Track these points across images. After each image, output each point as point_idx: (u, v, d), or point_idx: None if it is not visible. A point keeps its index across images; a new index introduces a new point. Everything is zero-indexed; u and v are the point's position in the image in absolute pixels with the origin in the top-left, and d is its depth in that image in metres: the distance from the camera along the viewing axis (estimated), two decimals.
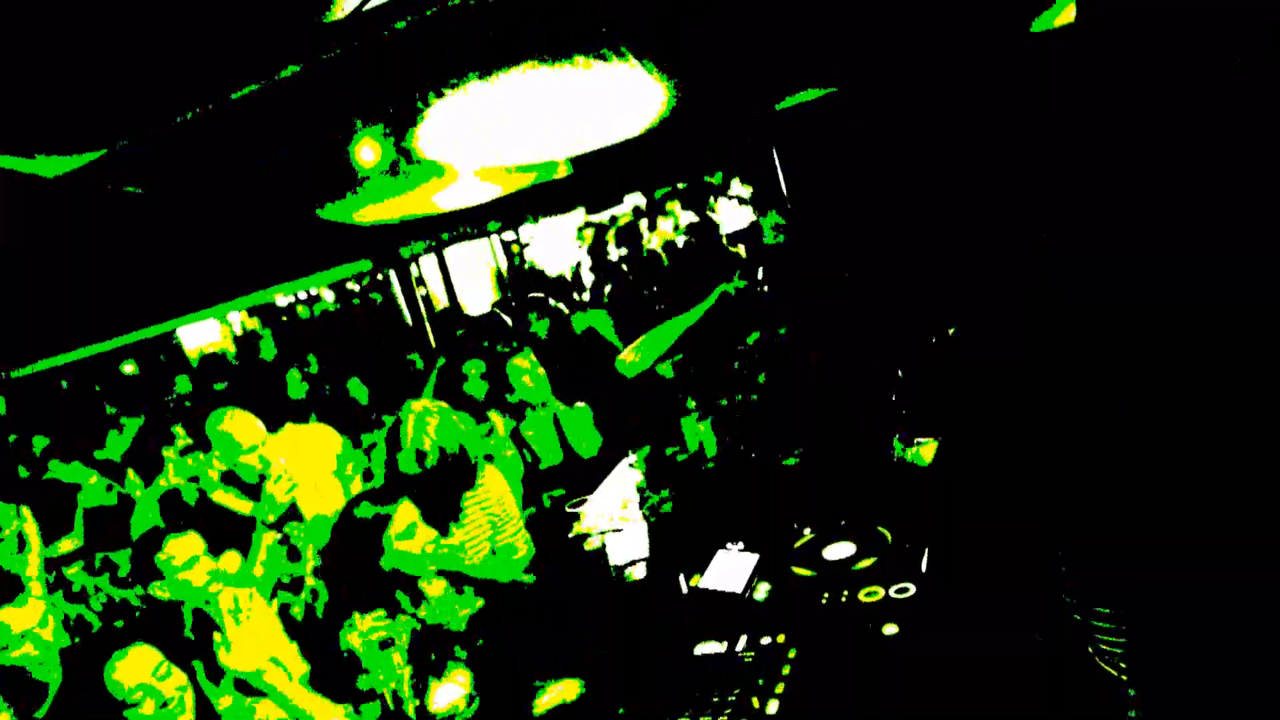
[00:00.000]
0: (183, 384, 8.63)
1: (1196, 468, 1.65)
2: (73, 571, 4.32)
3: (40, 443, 6.89)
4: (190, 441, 5.70)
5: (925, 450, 3.13)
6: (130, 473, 5.62)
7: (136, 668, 2.76)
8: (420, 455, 3.44)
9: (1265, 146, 1.55)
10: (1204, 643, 1.68)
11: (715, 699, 2.23)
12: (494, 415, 4.64)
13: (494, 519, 3.57)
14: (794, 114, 6.04)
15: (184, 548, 3.37)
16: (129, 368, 10.95)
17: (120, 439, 6.72)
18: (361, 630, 3.00)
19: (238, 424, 4.08)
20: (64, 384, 9.72)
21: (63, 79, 3.59)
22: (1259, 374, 1.57)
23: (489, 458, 4.00)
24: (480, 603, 3.42)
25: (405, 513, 3.36)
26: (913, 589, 2.48)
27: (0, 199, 4.26)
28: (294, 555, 3.79)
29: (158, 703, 2.75)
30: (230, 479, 4.08)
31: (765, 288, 4.49)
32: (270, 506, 3.89)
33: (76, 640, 3.74)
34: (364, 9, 3.70)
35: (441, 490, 3.48)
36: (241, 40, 3.71)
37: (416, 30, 3.92)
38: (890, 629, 2.33)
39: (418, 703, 2.82)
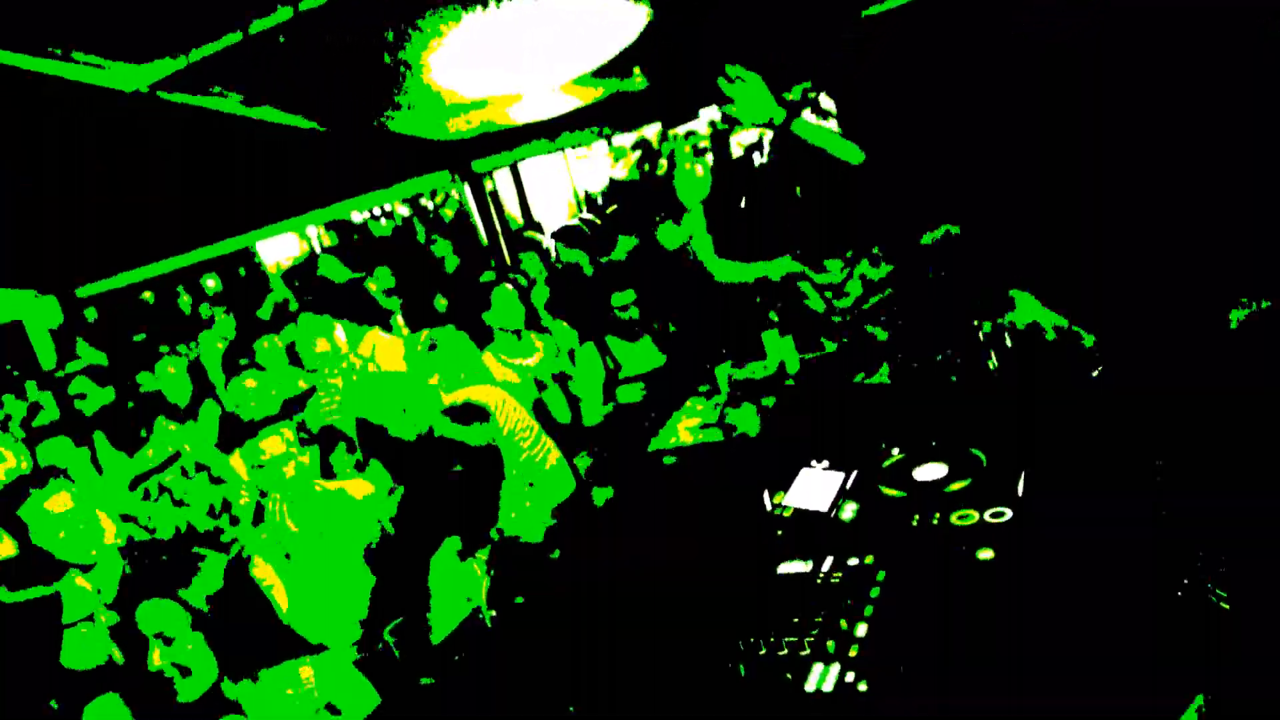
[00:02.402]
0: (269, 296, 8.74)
1: None
2: (169, 479, 4.41)
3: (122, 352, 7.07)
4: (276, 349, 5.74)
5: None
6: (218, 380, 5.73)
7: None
8: None
9: None
10: None
11: (800, 620, 2.17)
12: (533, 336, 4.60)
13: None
14: (880, 21, 5.72)
15: (274, 444, 3.43)
16: (211, 282, 11.17)
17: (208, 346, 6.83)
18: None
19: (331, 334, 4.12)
20: (149, 297, 9.96)
21: None
22: None
23: None
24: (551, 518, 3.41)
25: None
26: (1009, 514, 2.36)
27: (66, 114, 4.24)
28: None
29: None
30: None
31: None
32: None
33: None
34: None
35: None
36: None
37: None
38: (985, 554, 2.22)
39: (493, 613, 2.82)
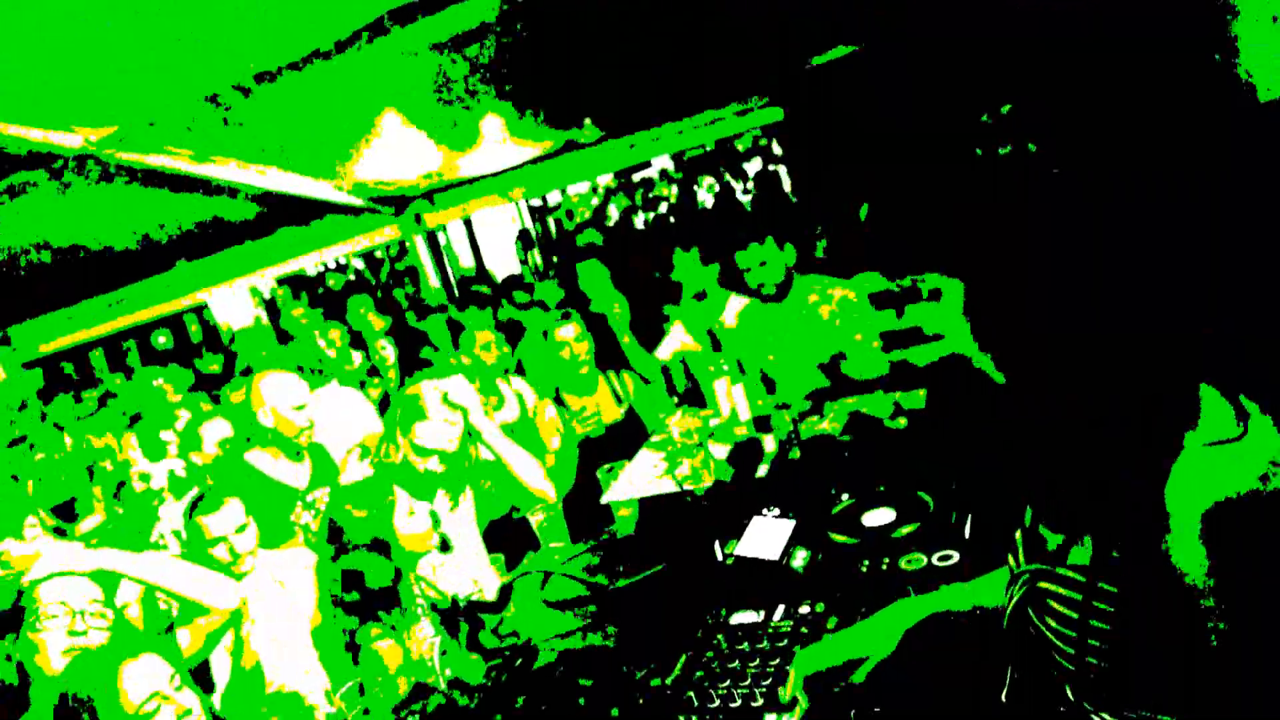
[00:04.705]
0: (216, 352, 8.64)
1: None
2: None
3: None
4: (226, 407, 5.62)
5: None
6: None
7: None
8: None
9: None
10: None
11: (753, 668, 2.17)
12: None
13: None
14: (827, 71, 5.84)
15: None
16: (163, 339, 11.03)
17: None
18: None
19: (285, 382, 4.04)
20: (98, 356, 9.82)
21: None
22: None
23: None
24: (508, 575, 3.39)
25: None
26: (956, 556, 2.39)
27: None
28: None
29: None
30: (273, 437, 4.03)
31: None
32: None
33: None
34: None
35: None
36: None
37: None
38: None
39: (447, 672, 2.78)
